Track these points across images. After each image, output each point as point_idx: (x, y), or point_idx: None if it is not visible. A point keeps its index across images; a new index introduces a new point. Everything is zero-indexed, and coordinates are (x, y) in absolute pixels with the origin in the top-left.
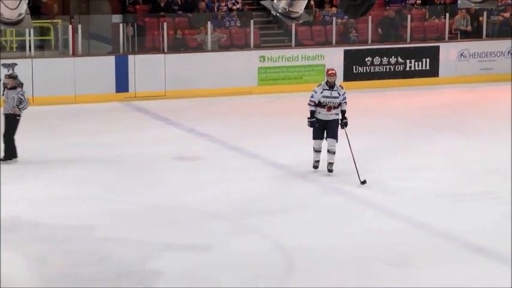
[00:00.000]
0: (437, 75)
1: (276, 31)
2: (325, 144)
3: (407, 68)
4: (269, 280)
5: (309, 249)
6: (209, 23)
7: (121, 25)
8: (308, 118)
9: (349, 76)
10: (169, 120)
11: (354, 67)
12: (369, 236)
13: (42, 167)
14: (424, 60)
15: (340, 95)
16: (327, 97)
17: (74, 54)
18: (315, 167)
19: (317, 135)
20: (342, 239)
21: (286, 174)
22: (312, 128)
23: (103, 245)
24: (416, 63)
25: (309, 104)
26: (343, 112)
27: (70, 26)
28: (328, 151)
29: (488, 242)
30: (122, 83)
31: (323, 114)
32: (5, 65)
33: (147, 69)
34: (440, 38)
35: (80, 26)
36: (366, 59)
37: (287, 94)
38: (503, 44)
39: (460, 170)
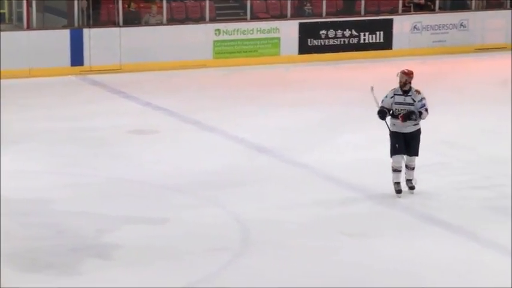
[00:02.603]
0: (391, 48)
1: (231, 4)
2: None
3: (361, 41)
4: (227, 252)
5: (266, 221)
6: None
7: None
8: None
9: (304, 49)
10: (126, 94)
11: (309, 40)
12: (327, 207)
13: None
14: (377, 33)
15: (415, 101)
16: (400, 103)
17: (29, 28)
18: (398, 191)
19: (395, 150)
20: (300, 211)
21: (243, 147)
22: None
23: (62, 218)
24: (370, 36)
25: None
26: (421, 115)
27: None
28: (407, 167)
29: (445, 214)
30: (77, 57)
31: (398, 126)
32: None
33: (102, 42)
34: (394, 11)
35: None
36: (321, 32)
37: (242, 67)
38: (455, 17)
39: None
